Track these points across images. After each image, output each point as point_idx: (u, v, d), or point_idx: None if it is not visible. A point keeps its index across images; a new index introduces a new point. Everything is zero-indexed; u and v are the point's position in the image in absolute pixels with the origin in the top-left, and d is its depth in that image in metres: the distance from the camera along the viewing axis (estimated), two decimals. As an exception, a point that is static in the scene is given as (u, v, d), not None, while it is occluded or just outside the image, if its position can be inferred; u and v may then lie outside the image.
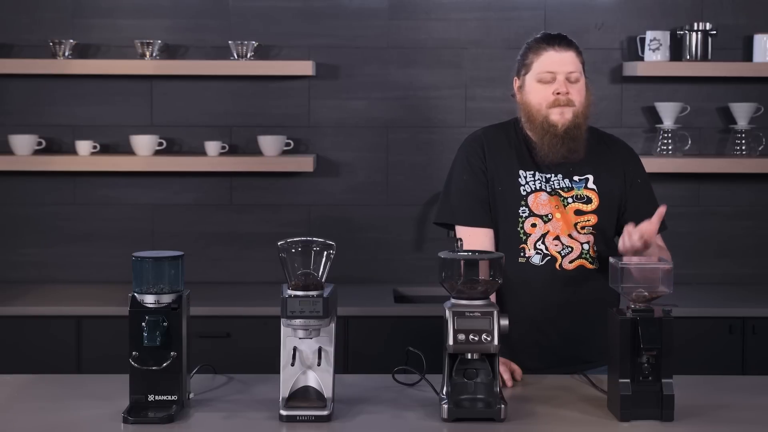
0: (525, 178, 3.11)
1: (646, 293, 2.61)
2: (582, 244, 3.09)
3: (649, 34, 4.57)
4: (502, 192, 3.12)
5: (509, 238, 3.10)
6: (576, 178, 3.12)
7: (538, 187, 3.10)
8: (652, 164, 4.52)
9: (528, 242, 3.08)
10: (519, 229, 3.09)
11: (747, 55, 4.65)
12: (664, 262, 2.66)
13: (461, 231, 3.14)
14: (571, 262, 3.08)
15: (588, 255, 3.09)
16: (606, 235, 3.13)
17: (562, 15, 4.64)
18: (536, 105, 3.08)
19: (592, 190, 3.12)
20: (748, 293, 4.53)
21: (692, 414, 2.62)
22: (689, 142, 4.64)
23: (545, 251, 3.08)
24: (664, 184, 4.69)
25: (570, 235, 3.08)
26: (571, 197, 3.10)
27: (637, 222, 3.07)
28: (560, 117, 3.06)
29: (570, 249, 3.08)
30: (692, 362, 3.76)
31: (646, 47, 4.57)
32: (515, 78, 3.16)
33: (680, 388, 2.60)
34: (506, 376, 2.89)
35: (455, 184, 3.19)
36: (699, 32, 4.56)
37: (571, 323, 3.10)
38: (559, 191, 3.10)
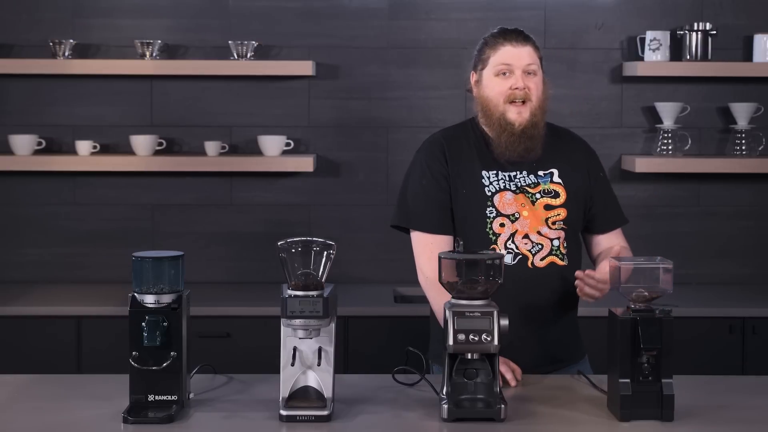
0: (488, 178, 3.08)
1: (646, 293, 2.61)
2: (552, 240, 3.06)
3: (649, 34, 4.57)
4: (466, 194, 3.08)
5: (479, 240, 3.04)
6: (541, 173, 3.10)
7: (502, 187, 3.07)
8: (652, 164, 4.53)
9: (498, 242, 3.05)
10: (488, 230, 3.06)
11: (747, 55, 4.66)
12: (665, 261, 2.66)
13: (419, 237, 3.11)
14: (542, 259, 3.05)
15: (558, 251, 3.07)
16: (575, 231, 3.12)
17: (562, 15, 4.65)
18: (493, 99, 3.05)
19: (558, 183, 3.10)
20: (748, 293, 4.53)
21: (692, 414, 2.62)
22: (689, 142, 4.64)
23: (516, 250, 3.04)
24: (664, 184, 4.70)
25: (539, 232, 3.06)
26: (539, 192, 3.08)
27: (602, 218, 3.13)
28: (518, 116, 3.03)
29: (540, 246, 3.06)
30: (692, 362, 3.76)
31: (646, 47, 4.57)
32: (472, 72, 3.13)
33: (680, 388, 2.60)
34: (509, 375, 2.88)
35: (412, 189, 3.14)
36: (699, 32, 4.56)
37: (545, 322, 3.07)
38: (526, 188, 3.08)
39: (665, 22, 4.66)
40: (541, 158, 3.10)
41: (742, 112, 4.60)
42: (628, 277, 2.63)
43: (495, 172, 3.09)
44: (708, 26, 4.57)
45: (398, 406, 2.70)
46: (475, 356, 2.60)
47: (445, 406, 2.57)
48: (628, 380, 2.57)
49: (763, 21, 4.67)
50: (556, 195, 3.09)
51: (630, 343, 2.57)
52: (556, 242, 3.07)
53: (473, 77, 3.12)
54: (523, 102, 3.03)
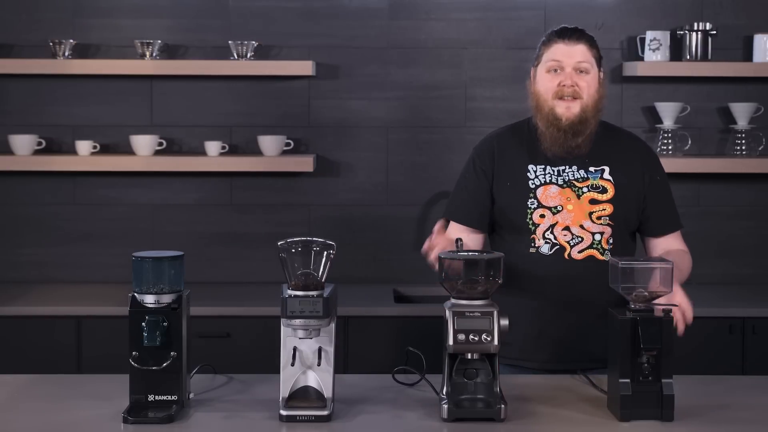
0: (534, 172, 3.13)
1: (646, 293, 2.61)
2: (593, 234, 3.08)
3: (649, 34, 4.57)
4: (510, 186, 3.14)
5: (519, 229, 3.11)
6: (592, 168, 3.13)
7: (547, 180, 3.12)
8: (652, 164, 4.53)
9: (537, 232, 3.09)
10: (528, 220, 3.10)
11: (747, 55, 4.66)
12: (664, 262, 2.66)
13: (443, 222, 3.20)
14: (580, 251, 3.07)
15: (600, 246, 3.08)
16: (622, 229, 3.12)
17: (562, 15, 4.64)
18: (543, 94, 3.11)
19: (608, 180, 3.12)
20: (748, 293, 4.53)
21: (692, 414, 2.62)
22: (689, 142, 4.64)
23: (554, 240, 3.08)
24: (664, 184, 4.70)
25: (582, 226, 3.08)
26: (586, 187, 3.11)
27: (657, 220, 3.13)
28: (566, 111, 3.07)
29: (580, 239, 3.08)
30: (692, 362, 3.76)
31: (646, 47, 4.57)
32: (532, 68, 3.19)
33: (680, 388, 2.60)
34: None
35: (458, 182, 3.25)
36: (699, 32, 4.56)
37: (580, 316, 3.07)
38: (573, 182, 3.11)
39: (665, 22, 4.66)
40: (594, 155, 3.13)
41: (742, 112, 4.60)
42: (627, 277, 2.63)
43: (543, 166, 3.13)
44: (708, 26, 4.57)
45: (398, 406, 2.70)
46: (475, 356, 2.61)
47: (445, 406, 2.57)
48: (628, 380, 2.57)
49: (763, 21, 4.67)
50: (604, 190, 3.11)
51: (630, 343, 2.57)
52: (598, 236, 3.09)
53: (532, 72, 3.18)
54: (573, 98, 3.08)
